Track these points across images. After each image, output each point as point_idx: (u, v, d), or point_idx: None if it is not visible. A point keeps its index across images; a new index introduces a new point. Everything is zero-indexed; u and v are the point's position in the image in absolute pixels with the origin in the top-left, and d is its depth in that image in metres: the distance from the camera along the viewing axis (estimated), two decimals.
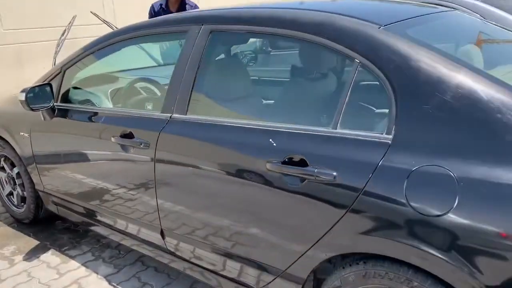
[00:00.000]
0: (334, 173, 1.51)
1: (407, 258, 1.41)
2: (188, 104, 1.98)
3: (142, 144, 2.07)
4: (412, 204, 1.35)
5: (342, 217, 1.50)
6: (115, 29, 3.75)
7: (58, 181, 2.69)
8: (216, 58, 2.21)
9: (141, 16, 3.68)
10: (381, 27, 1.60)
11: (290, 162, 1.62)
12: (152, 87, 2.82)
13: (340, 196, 1.50)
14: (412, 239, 1.37)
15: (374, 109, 1.66)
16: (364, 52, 1.55)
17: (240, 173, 1.76)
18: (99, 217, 2.54)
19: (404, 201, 1.37)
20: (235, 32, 2.01)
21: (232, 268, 1.94)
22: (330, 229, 1.55)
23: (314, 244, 1.60)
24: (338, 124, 1.57)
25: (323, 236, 1.57)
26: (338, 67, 1.96)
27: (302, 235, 1.64)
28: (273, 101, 2.36)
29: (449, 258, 1.32)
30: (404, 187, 1.37)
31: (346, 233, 1.51)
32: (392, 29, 1.60)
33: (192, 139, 1.94)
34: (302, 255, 1.65)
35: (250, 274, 1.88)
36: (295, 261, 1.68)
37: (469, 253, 1.28)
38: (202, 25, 2.00)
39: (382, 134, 1.48)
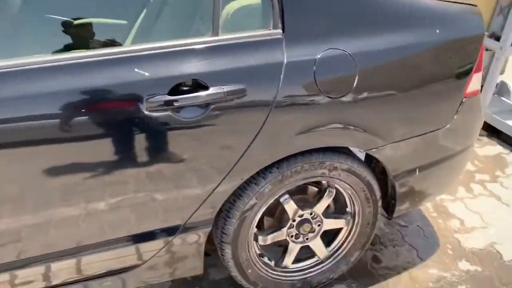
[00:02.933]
0: (243, 86, 1.31)
1: (324, 142, 1.49)
2: None
3: None
4: (323, 90, 1.39)
5: (260, 130, 1.37)
6: None
7: None
8: None
9: None
10: None
11: (180, 91, 1.26)
12: None
13: (256, 109, 1.35)
14: (328, 123, 1.45)
15: (253, 5, 1.45)
16: None
17: (102, 127, 1.23)
18: None
19: (316, 90, 1.39)
20: None
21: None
22: (246, 149, 1.38)
23: (227, 174, 1.40)
24: (219, 30, 1.32)
25: (238, 160, 1.39)
26: None
27: (211, 171, 1.38)
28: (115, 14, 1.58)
29: (360, 128, 1.50)
30: (314, 76, 1.38)
31: (265, 145, 1.40)
32: None
33: None
34: (211, 193, 1.41)
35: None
36: (202, 204, 1.43)
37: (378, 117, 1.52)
38: None
39: (270, 29, 1.37)
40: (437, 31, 1.59)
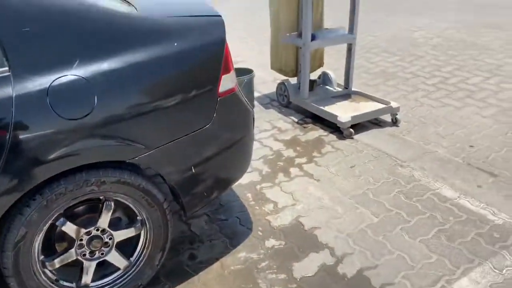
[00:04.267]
0: None
1: (79, 162, 1.60)
2: None
3: None
4: (61, 114, 1.51)
5: (3, 162, 1.45)
6: None
7: None
8: None
9: None
10: None
11: None
12: None
13: None
14: (76, 142, 1.56)
15: None
16: None
17: None
18: None
19: (53, 115, 1.50)
20: None
21: None
22: None
23: None
24: None
25: None
26: None
27: None
28: None
29: (114, 141, 1.64)
30: (49, 103, 1.49)
31: (12, 178, 1.49)
32: None
33: None
34: None
35: None
36: None
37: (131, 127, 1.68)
38: None
39: None
40: (175, 43, 1.80)
